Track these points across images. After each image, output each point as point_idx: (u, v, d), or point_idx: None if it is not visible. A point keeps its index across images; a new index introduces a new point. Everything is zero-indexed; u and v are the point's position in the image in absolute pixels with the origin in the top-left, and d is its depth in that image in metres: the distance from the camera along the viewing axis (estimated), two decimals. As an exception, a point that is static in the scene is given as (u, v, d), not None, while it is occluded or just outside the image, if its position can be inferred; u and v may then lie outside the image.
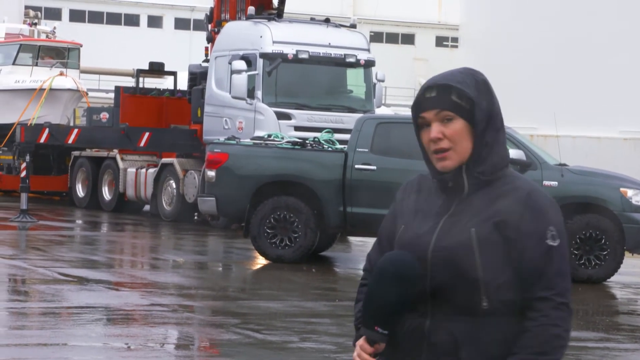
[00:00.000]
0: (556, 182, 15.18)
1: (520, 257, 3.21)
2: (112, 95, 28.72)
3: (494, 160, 3.26)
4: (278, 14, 22.67)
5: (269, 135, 17.50)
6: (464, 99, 3.23)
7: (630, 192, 15.29)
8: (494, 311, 3.23)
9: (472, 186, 3.27)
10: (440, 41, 66.76)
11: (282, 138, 17.29)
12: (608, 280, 15.40)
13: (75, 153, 27.04)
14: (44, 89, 30.09)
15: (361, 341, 3.25)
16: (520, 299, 3.23)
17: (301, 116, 20.96)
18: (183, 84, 25.66)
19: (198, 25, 57.13)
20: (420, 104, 3.27)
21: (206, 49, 23.97)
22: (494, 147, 3.26)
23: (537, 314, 3.19)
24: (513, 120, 26.39)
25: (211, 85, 22.21)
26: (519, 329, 3.23)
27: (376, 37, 62.90)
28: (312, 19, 22.99)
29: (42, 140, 26.14)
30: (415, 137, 3.35)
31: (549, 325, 3.18)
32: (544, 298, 3.19)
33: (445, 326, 3.24)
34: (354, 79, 22.15)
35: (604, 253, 15.15)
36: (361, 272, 3.53)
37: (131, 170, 25.09)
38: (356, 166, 15.73)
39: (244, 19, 22.49)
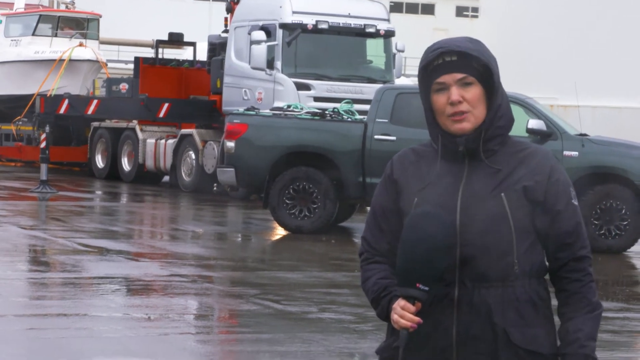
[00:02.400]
0: (577, 152, 15.11)
1: (555, 220, 3.29)
2: (131, 66, 28.68)
3: (506, 124, 3.32)
4: (297, -16, 22.56)
5: (289, 106, 17.47)
6: (481, 65, 3.27)
7: (651, 163, 15.19)
8: (524, 274, 3.28)
9: (486, 151, 3.29)
10: (460, 11, 66.41)
11: (302, 109, 17.25)
12: (628, 250, 15.35)
13: (95, 124, 27.07)
14: (64, 60, 30.11)
15: (402, 302, 3.20)
16: (542, 260, 3.31)
17: (320, 87, 20.91)
18: (202, 55, 25.62)
19: (217, -4, 57.00)
20: (439, 68, 3.27)
21: (225, 19, 23.91)
22: (505, 111, 3.32)
23: (579, 274, 3.32)
24: (533, 90, 26.28)
25: (230, 55, 22.17)
26: (545, 291, 3.33)
27: (396, 7, 62.63)
28: (331, -12, 22.87)
29: (61, 111, 26.21)
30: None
31: (591, 282, 3.33)
32: (584, 257, 3.32)
33: (477, 293, 3.26)
34: (374, 50, 22.07)
35: (624, 223, 15.09)
36: None
37: (150, 141, 25.11)
38: (376, 137, 15.70)
39: (263, -11, 22.40)
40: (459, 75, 3.25)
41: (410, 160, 3.38)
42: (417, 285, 3.17)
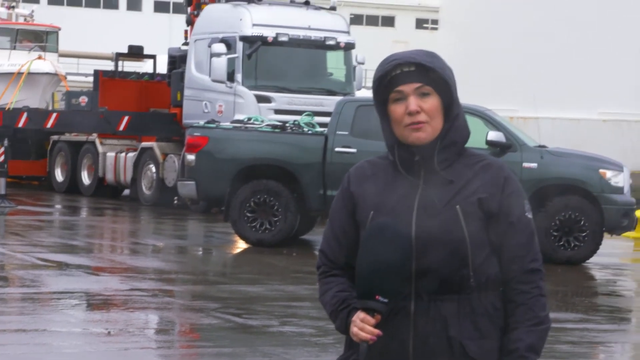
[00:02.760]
0: (536, 164, 15.21)
1: (508, 232, 3.29)
2: (91, 79, 28.55)
3: (463, 135, 3.33)
4: (257, -3, 22.57)
5: (249, 119, 17.46)
6: (439, 77, 3.28)
7: (609, 174, 15.33)
8: (479, 286, 3.29)
9: (441, 162, 3.30)
10: (420, 23, 66.72)
11: (262, 121, 17.25)
12: (587, 261, 15.45)
13: (54, 137, 26.92)
14: (22, 73, 29.96)
15: (361, 314, 3.20)
16: (497, 272, 3.31)
17: (281, 99, 20.92)
18: (162, 68, 25.56)
19: (177, 8, 56.91)
20: (397, 78, 3.28)
21: (185, 32, 23.89)
22: (461, 123, 3.33)
23: (528, 286, 3.29)
24: (493, 102, 26.42)
25: (191, 68, 22.13)
26: (500, 303, 3.32)
27: (356, 20, 62.80)
28: (291, 1, 22.92)
29: (20, 125, 26.04)
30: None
31: (540, 295, 3.31)
32: (535, 270, 3.31)
33: (432, 306, 3.26)
34: (334, 62, 22.11)
35: (583, 234, 15.19)
36: None
37: (110, 155, 25.00)
38: (336, 149, 15.72)
39: (224, 1, 22.41)
40: (417, 85, 3.27)
41: (366, 173, 3.38)
42: (377, 297, 3.18)
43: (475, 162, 3.33)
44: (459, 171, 3.30)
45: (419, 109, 3.26)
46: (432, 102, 3.27)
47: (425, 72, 3.26)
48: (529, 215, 3.34)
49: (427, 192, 3.28)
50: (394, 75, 3.28)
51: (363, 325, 3.20)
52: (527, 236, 3.31)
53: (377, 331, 3.19)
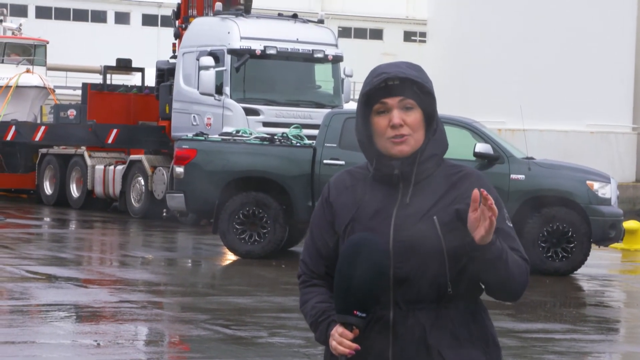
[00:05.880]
0: (523, 176, 15.26)
1: None
2: (79, 92, 28.55)
3: (442, 147, 3.37)
4: (245, 10, 22.64)
5: (237, 131, 17.50)
6: (424, 91, 3.32)
7: (596, 185, 15.40)
8: (458, 295, 3.31)
9: (420, 174, 3.33)
10: (408, 36, 66.88)
11: (251, 134, 17.29)
12: (575, 272, 15.50)
13: (43, 150, 26.90)
14: (10, 86, 29.94)
15: (340, 329, 3.24)
16: (476, 282, 3.32)
17: (269, 112, 20.96)
18: (151, 81, 25.57)
19: (165, 22, 56.93)
20: (382, 91, 3.31)
21: (174, 45, 23.91)
22: (440, 135, 3.37)
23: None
24: (481, 114, 26.50)
25: (179, 81, 22.16)
26: (481, 314, 3.36)
27: (344, 33, 62.93)
28: (279, 14, 22.98)
29: (8, 138, 26.01)
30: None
31: (525, 268, 3.30)
32: (522, 257, 3.32)
33: (411, 315, 3.29)
34: (322, 75, 22.16)
35: (571, 246, 15.25)
36: None
37: (99, 168, 25.00)
38: (324, 161, 15.76)
39: (212, 15, 22.45)
40: (401, 98, 3.31)
41: (345, 183, 3.41)
42: (355, 312, 3.21)
43: (454, 173, 3.36)
44: (437, 182, 3.34)
45: (402, 122, 3.30)
46: (415, 116, 3.31)
47: (410, 86, 3.30)
48: (509, 223, 3.35)
49: (405, 204, 3.31)
50: (379, 88, 3.32)
51: (341, 340, 3.23)
52: (512, 240, 3.33)
53: (355, 345, 3.23)
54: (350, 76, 22.34)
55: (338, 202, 3.39)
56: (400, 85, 3.31)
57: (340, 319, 3.24)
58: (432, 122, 3.34)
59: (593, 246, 15.61)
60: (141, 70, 27.07)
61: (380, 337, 3.30)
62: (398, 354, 3.29)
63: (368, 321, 3.26)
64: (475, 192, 3.15)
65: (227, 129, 19.35)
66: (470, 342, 3.32)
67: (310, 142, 16.52)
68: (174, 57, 23.26)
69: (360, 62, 30.34)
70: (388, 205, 3.32)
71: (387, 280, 3.26)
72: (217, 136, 17.40)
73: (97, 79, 31.99)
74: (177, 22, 23.93)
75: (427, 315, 3.29)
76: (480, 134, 15.42)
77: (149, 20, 62.62)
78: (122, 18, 62.72)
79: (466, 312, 3.32)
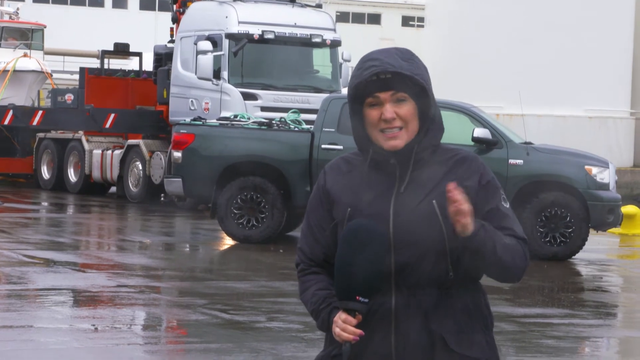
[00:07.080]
0: (522, 161, 15.26)
1: (487, 219, 3.27)
2: (76, 76, 28.51)
3: (438, 134, 3.34)
4: (243, -6, 22.57)
5: (235, 116, 17.47)
6: (416, 83, 3.29)
7: (594, 170, 15.39)
8: (458, 280, 3.30)
9: (417, 162, 3.31)
10: (406, 21, 66.77)
11: (249, 118, 17.26)
12: (573, 257, 15.51)
13: (40, 135, 26.87)
14: (8, 71, 29.90)
15: (343, 315, 3.23)
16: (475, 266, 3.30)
17: (267, 96, 20.93)
18: (148, 65, 25.54)
19: (163, 6, 56.83)
20: (373, 84, 3.28)
21: (171, 29, 23.87)
22: (437, 125, 3.34)
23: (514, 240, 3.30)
24: (479, 99, 26.47)
25: (177, 66, 22.13)
26: (481, 295, 3.36)
27: (342, 17, 62.82)
28: (277, -1, 22.92)
29: (6, 122, 25.97)
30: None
31: (523, 249, 3.29)
32: (521, 237, 3.31)
33: (413, 300, 3.28)
34: (320, 59, 22.13)
35: (569, 230, 15.25)
36: None
37: (97, 152, 24.97)
38: (323, 146, 15.74)
39: (209, -1, 22.39)
40: (393, 92, 3.28)
41: (342, 170, 3.39)
42: (357, 298, 3.20)
43: (450, 157, 3.35)
44: (434, 167, 3.32)
45: (394, 116, 3.27)
46: (408, 108, 3.29)
47: (402, 79, 3.27)
48: (507, 204, 3.35)
49: (403, 189, 3.29)
50: (370, 82, 3.28)
51: (345, 326, 3.22)
52: (508, 220, 3.31)
53: (359, 331, 3.22)
54: (349, 61, 22.30)
55: (335, 189, 3.37)
56: (392, 79, 3.27)
57: (343, 305, 3.22)
58: (428, 112, 3.31)
59: (591, 231, 15.61)
60: (139, 54, 27.01)
61: (383, 323, 3.29)
62: (401, 339, 3.29)
63: (370, 307, 3.24)
64: (448, 185, 3.14)
65: (225, 113, 19.32)
66: (471, 326, 3.31)
67: (309, 126, 16.50)
68: (172, 41, 23.21)
69: (359, 47, 30.27)
70: (386, 191, 3.30)
71: (389, 265, 3.25)
72: (215, 121, 17.37)
73: (94, 63, 31.95)
74: (174, 6, 23.86)
75: (428, 300, 3.28)
76: (478, 119, 15.40)
77: (146, 4, 62.46)
78: (119, 2, 62.56)
79: (467, 296, 3.32)
